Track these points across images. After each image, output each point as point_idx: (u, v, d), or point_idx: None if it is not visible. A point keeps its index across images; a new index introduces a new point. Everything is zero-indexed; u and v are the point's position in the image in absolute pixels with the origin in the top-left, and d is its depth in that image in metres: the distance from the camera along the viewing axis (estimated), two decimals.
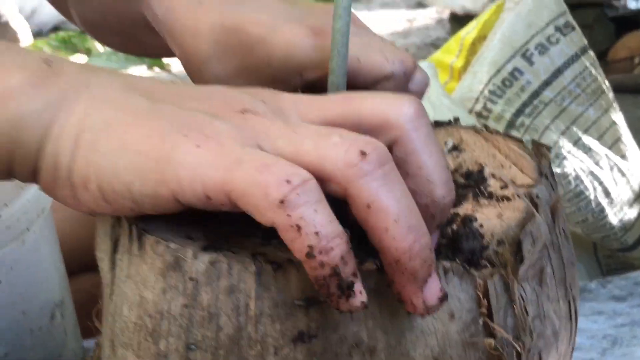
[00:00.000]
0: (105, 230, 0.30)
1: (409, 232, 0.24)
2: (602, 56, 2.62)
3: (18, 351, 0.36)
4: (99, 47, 1.97)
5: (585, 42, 0.83)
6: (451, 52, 0.95)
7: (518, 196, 0.33)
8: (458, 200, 0.34)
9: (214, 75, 0.39)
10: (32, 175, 0.28)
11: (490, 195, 0.34)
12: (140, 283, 0.27)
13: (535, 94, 0.81)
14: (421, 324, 0.27)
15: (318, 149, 0.25)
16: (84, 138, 0.26)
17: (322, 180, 0.24)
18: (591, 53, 0.82)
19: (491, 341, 0.28)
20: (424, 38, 3.44)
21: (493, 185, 0.35)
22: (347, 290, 0.24)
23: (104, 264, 0.30)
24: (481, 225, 0.31)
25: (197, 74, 0.40)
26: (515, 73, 0.81)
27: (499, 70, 0.81)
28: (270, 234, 0.27)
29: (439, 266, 0.27)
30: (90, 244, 0.34)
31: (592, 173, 0.81)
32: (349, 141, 0.25)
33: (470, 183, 0.35)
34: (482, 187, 0.35)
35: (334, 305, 0.24)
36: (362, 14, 4.01)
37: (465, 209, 0.33)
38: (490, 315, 0.28)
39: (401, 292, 0.25)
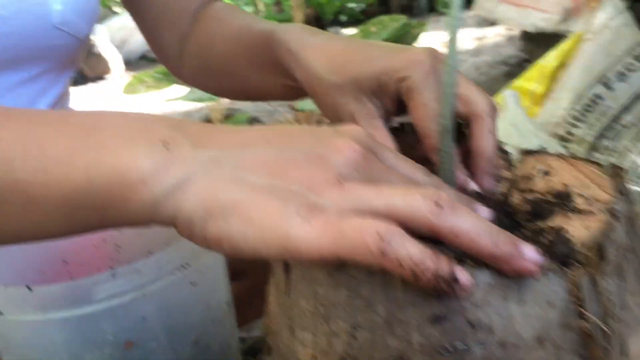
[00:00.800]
0: None
1: (486, 235, 0.33)
2: None
3: (204, 338, 0.47)
4: None
5: None
6: (532, 80, 1.00)
7: (600, 210, 0.40)
8: (550, 215, 0.42)
9: (333, 84, 0.50)
10: (170, 225, 0.35)
11: (577, 211, 0.41)
12: (313, 282, 0.36)
13: (616, 118, 0.85)
14: (526, 310, 0.35)
15: (407, 205, 0.33)
16: (213, 212, 0.33)
17: (414, 227, 0.33)
18: None
19: (586, 324, 0.35)
20: (495, 56, 3.44)
21: (578, 202, 0.42)
22: (453, 282, 0.32)
23: (278, 271, 0.40)
24: (571, 235, 0.39)
25: (318, 86, 0.51)
26: (595, 99, 0.86)
27: (580, 97, 0.87)
28: None
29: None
30: (231, 262, 0.44)
31: None
32: (427, 196, 0.33)
33: (560, 201, 0.42)
34: (569, 204, 0.42)
35: (456, 295, 0.32)
36: (431, 35, 4.04)
37: (556, 222, 0.41)
38: (581, 304, 0.36)
39: (513, 269, 0.33)
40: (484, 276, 0.34)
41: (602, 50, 0.83)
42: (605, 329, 0.36)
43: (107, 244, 0.58)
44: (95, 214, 0.35)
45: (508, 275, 0.33)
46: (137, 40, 4.25)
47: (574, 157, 0.46)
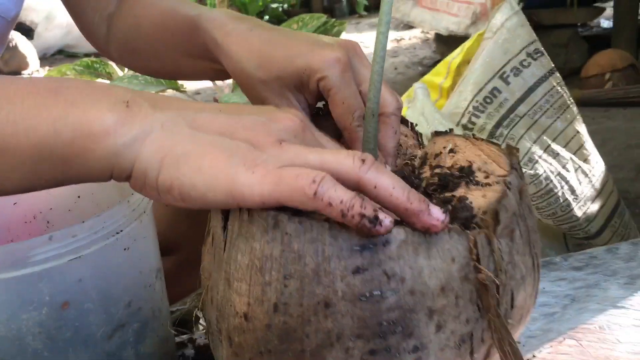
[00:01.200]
0: (217, 209, 0.43)
1: (402, 190, 0.38)
2: (576, 73, 2.76)
3: (137, 301, 0.49)
4: (119, 71, 2.10)
5: (552, 65, 0.96)
6: (440, 74, 1.08)
7: (497, 183, 0.47)
8: (455, 186, 0.48)
9: (259, 79, 0.53)
10: (126, 180, 0.40)
11: (477, 183, 0.47)
12: (250, 238, 0.40)
13: (512, 109, 0.95)
14: (433, 263, 0.40)
15: (336, 160, 0.39)
16: (167, 162, 0.38)
17: (340, 179, 0.38)
18: (557, 74, 0.96)
19: (482, 277, 0.41)
20: (411, 57, 3.60)
21: (479, 176, 0.48)
22: (376, 221, 0.37)
23: (217, 230, 0.43)
24: (471, 202, 0.45)
25: (245, 80, 0.54)
26: (494, 92, 0.95)
27: (480, 90, 0.95)
28: None
29: (446, 228, 0.40)
30: (163, 237, 0.48)
31: (559, 174, 0.94)
32: (353, 154, 0.39)
33: (463, 175, 0.48)
34: (471, 178, 0.48)
35: (376, 233, 0.37)
36: (353, 35, 4.16)
37: (460, 192, 0.47)
38: (478, 260, 0.42)
39: (422, 224, 0.38)
40: (399, 234, 0.39)
41: (499, 48, 0.91)
42: (497, 281, 0.42)
43: (38, 220, 0.59)
44: (60, 164, 0.37)
45: (416, 228, 0.39)
46: (53, 36, 4.08)
47: (476, 138, 0.52)
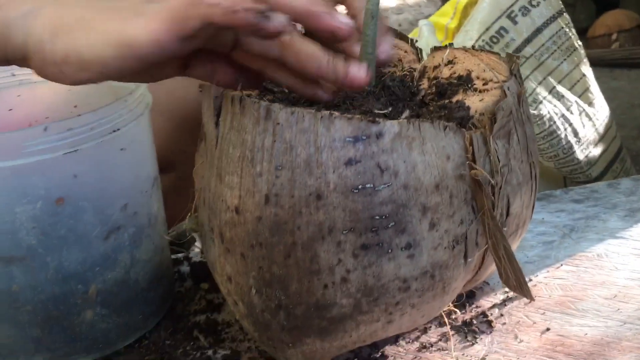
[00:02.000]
0: (209, 103, 0.42)
1: None
2: (582, 33, 2.71)
3: (133, 205, 0.49)
4: None
5: (562, 6, 0.94)
6: (446, 15, 1.06)
7: (495, 88, 0.45)
8: (453, 94, 0.47)
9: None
10: (24, 62, 0.39)
11: (475, 90, 0.46)
12: (242, 130, 0.39)
13: (518, 49, 0.93)
14: (427, 159, 0.39)
15: None
16: (60, 30, 0.37)
17: None
18: (566, 15, 0.94)
19: (476, 171, 0.40)
20: (417, 14, 3.54)
21: (478, 83, 0.47)
22: (264, 15, 0.34)
23: (209, 125, 0.42)
24: (468, 106, 0.44)
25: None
26: (501, 31, 0.93)
27: (487, 29, 0.93)
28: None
29: (441, 125, 0.39)
30: (160, 154, 0.47)
31: (563, 116, 0.93)
32: None
33: (461, 82, 0.47)
34: (469, 85, 0.47)
35: (268, 31, 0.35)
36: None
37: (458, 98, 0.46)
38: (474, 159, 0.41)
39: (326, 27, 0.37)
40: (393, 127, 0.38)
41: None
42: (492, 181, 0.41)
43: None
44: None
45: (327, 39, 0.37)
46: None
47: (475, 49, 0.51)
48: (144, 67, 0.37)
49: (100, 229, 0.47)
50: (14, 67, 0.53)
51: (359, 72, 0.38)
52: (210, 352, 0.49)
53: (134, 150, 0.48)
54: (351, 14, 0.48)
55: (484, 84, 0.46)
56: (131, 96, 0.47)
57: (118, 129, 0.46)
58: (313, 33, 0.38)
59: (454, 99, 0.45)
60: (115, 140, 0.46)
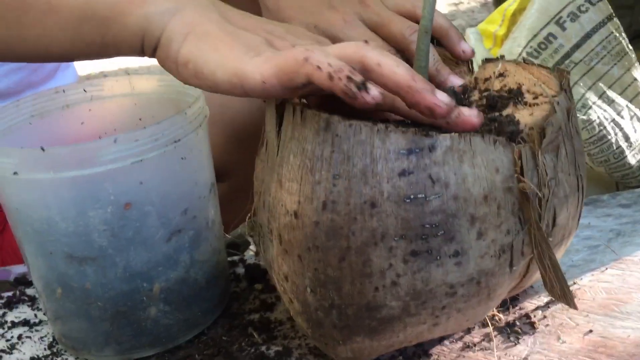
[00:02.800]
0: (271, 113, 0.45)
1: (406, 69, 0.39)
2: None
3: (192, 210, 0.52)
4: None
5: (611, 10, 0.94)
6: (495, 22, 1.07)
7: (545, 103, 0.47)
8: (503, 107, 0.49)
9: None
10: (153, 52, 0.44)
11: (525, 103, 0.48)
12: (302, 140, 0.42)
13: (567, 55, 0.93)
14: (477, 172, 0.41)
15: (341, 47, 0.40)
16: (190, 37, 0.42)
17: (347, 59, 0.39)
18: (616, 20, 0.94)
19: (524, 185, 0.42)
20: (470, 20, 3.52)
21: (528, 97, 0.49)
22: (363, 87, 0.37)
23: (271, 134, 0.45)
24: (518, 121, 0.46)
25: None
26: (549, 38, 0.93)
27: (535, 36, 0.93)
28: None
29: (491, 139, 0.42)
30: (216, 164, 0.52)
31: (613, 121, 0.93)
32: (359, 40, 0.42)
33: (512, 96, 0.49)
34: (519, 98, 0.49)
35: (362, 101, 0.37)
36: None
37: (508, 111, 0.48)
38: (522, 172, 0.43)
39: (425, 103, 0.38)
40: (445, 140, 0.40)
41: None
42: (539, 194, 0.43)
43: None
44: (101, 26, 0.43)
45: (423, 113, 0.39)
46: None
47: (527, 62, 0.52)
48: (248, 96, 0.41)
49: (163, 232, 0.51)
50: (85, 83, 0.58)
51: (470, 116, 0.40)
52: (263, 348, 0.52)
53: (193, 158, 0.52)
54: (395, 41, 0.52)
55: (534, 98, 0.48)
56: (191, 109, 0.50)
57: (179, 140, 0.49)
58: (410, 107, 0.40)
59: (504, 113, 0.47)
60: (176, 150, 0.49)
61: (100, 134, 0.61)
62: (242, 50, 0.41)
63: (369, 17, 0.55)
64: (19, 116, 0.56)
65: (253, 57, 0.40)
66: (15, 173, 0.46)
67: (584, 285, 0.55)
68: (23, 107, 0.56)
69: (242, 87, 0.41)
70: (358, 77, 0.37)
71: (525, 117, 0.46)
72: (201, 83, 0.42)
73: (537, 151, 0.43)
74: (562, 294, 0.48)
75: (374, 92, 0.37)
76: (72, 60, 0.47)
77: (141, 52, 0.45)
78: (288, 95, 0.41)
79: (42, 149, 0.45)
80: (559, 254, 0.50)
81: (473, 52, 0.53)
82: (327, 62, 0.37)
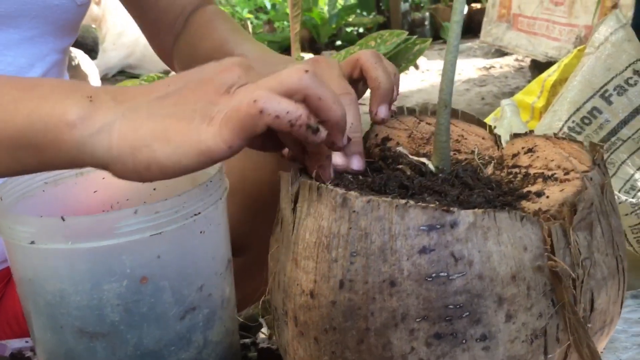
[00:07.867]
0: (286, 189, 0.47)
1: (340, 106, 0.44)
2: None
3: (208, 287, 0.54)
4: None
5: None
6: (532, 93, 1.09)
7: (577, 178, 0.48)
8: (532, 182, 0.50)
9: None
10: (104, 168, 0.46)
11: (556, 179, 0.49)
12: (318, 217, 0.44)
13: (613, 131, 0.94)
14: (503, 250, 0.42)
15: (280, 81, 0.43)
16: (138, 144, 0.43)
17: (291, 95, 0.42)
18: None
19: (554, 263, 0.43)
20: (502, 86, 3.52)
21: (559, 173, 0.50)
22: (316, 130, 0.42)
23: (286, 211, 0.47)
24: (547, 196, 0.47)
25: None
26: (594, 112, 0.95)
27: (578, 109, 0.95)
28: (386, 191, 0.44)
29: (517, 215, 0.43)
30: (232, 237, 0.54)
31: None
32: (295, 69, 0.44)
33: (541, 173, 0.50)
34: (550, 175, 0.50)
35: (312, 141, 0.43)
36: (435, 62, 4.14)
37: (537, 187, 0.49)
38: (552, 251, 0.43)
39: (337, 145, 0.45)
40: (467, 216, 0.41)
41: (602, 64, 0.91)
42: (572, 274, 0.43)
43: (114, 209, 0.66)
44: (36, 152, 0.45)
45: (326, 144, 0.45)
46: (118, 55, 4.40)
47: (557, 137, 0.54)
48: (216, 162, 0.44)
49: (177, 309, 0.52)
50: None
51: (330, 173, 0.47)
52: None
53: (212, 232, 0.54)
54: (370, 85, 0.55)
55: (565, 174, 0.49)
56: (212, 182, 0.53)
57: (199, 213, 0.51)
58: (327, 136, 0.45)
59: (532, 189, 0.49)
60: (195, 223, 0.52)
61: (112, 204, 0.64)
62: (191, 126, 0.43)
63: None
64: (33, 183, 0.59)
65: (206, 128, 0.43)
66: (32, 242, 0.49)
67: None
68: (37, 174, 0.60)
69: (212, 160, 0.43)
70: (314, 123, 0.43)
71: (555, 193, 0.47)
72: (171, 176, 0.44)
73: (568, 228, 0.44)
74: None
75: (323, 134, 0.43)
76: (12, 176, 0.50)
77: (83, 167, 0.47)
78: (251, 143, 0.45)
79: (63, 219, 0.48)
80: (601, 344, 0.50)
81: (384, 120, 0.57)
82: (282, 109, 0.41)
